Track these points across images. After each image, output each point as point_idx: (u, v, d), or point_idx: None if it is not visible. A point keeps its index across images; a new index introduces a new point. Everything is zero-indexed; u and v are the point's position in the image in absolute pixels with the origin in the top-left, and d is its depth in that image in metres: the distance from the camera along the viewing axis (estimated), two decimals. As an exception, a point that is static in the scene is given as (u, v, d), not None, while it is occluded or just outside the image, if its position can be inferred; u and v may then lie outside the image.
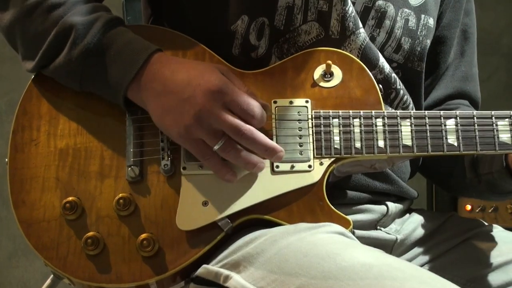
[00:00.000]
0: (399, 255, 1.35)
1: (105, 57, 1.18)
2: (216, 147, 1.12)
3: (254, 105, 1.13)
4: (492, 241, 1.34)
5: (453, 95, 1.48)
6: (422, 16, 1.37)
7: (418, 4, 1.37)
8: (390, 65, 1.34)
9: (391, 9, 1.34)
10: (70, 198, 1.17)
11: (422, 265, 1.33)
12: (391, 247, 1.35)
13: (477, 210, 2.42)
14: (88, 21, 1.19)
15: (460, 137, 1.20)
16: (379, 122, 1.20)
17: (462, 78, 1.49)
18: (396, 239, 1.35)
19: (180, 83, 1.14)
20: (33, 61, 1.22)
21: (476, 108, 1.51)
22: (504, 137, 1.20)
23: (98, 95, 1.22)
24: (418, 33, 1.37)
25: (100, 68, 1.18)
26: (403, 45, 1.35)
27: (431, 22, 1.39)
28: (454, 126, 1.20)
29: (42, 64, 1.22)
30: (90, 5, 1.23)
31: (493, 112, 1.22)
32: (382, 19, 1.33)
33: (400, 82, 1.36)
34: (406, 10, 1.35)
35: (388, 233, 1.35)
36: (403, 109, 1.37)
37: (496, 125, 1.20)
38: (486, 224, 1.42)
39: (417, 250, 1.37)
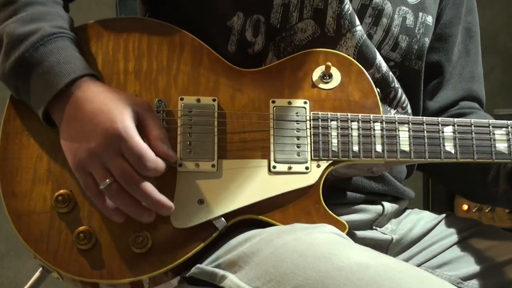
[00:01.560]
0: (395, 255, 1.35)
1: (33, 74, 1.15)
2: (102, 186, 1.09)
3: (148, 158, 1.08)
4: (489, 241, 1.34)
5: (464, 97, 1.48)
6: (420, 14, 1.38)
7: (416, 2, 1.37)
8: (387, 64, 1.35)
9: (388, 7, 1.34)
10: (63, 191, 1.16)
11: (418, 265, 1.34)
12: (387, 247, 1.35)
13: (474, 210, 2.43)
14: (25, 33, 1.16)
15: (457, 145, 1.20)
16: (377, 126, 1.20)
17: (469, 78, 1.50)
18: (392, 239, 1.35)
19: (86, 115, 1.11)
20: None
21: (482, 108, 1.51)
22: (500, 146, 1.21)
23: None
24: (416, 31, 1.37)
25: (29, 84, 1.16)
26: (400, 43, 1.35)
27: (430, 20, 1.40)
28: (452, 134, 1.21)
29: None
30: (36, 12, 1.19)
31: (490, 121, 1.23)
32: (379, 17, 1.33)
33: (397, 81, 1.36)
34: (403, 8, 1.36)
35: (384, 233, 1.35)
36: (402, 108, 1.37)
37: (493, 134, 1.21)
38: (483, 224, 1.43)
39: (414, 250, 1.37)
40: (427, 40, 1.40)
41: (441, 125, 1.21)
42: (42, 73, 1.14)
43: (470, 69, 1.50)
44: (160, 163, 1.10)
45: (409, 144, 1.20)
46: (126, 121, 1.09)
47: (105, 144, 1.08)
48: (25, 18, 1.17)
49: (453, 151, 1.20)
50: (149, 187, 1.09)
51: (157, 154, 1.10)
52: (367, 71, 1.26)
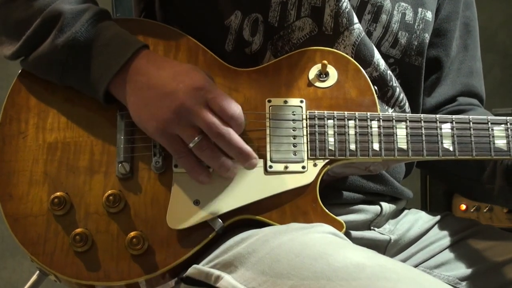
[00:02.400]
0: (393, 255, 1.34)
1: (92, 48, 1.16)
2: (191, 145, 1.11)
3: (235, 106, 1.11)
4: (487, 241, 1.33)
5: (463, 92, 1.47)
6: (419, 9, 1.36)
7: None
8: (387, 61, 1.34)
9: (387, 3, 1.32)
10: (59, 193, 1.15)
11: (416, 266, 1.33)
12: (385, 248, 1.34)
13: (471, 210, 2.39)
14: (77, 10, 1.17)
15: (456, 142, 1.19)
16: (375, 124, 1.19)
17: (468, 73, 1.48)
18: (390, 239, 1.34)
19: (164, 78, 1.13)
20: (14, 47, 1.19)
21: (482, 104, 1.50)
22: (499, 143, 1.20)
23: (76, 89, 1.19)
24: (415, 27, 1.36)
25: (85, 59, 1.16)
26: (400, 40, 1.34)
27: (429, 15, 1.38)
28: (450, 131, 1.19)
29: (23, 52, 1.20)
30: None
31: (489, 117, 1.21)
32: (378, 13, 1.32)
33: (396, 80, 1.35)
34: (402, 4, 1.35)
35: (382, 234, 1.34)
36: (400, 107, 1.36)
37: (492, 130, 1.20)
38: (481, 224, 1.42)
39: (411, 250, 1.36)
40: (427, 36, 1.39)
41: (439, 122, 1.20)
42: (102, 46, 1.15)
43: (469, 64, 1.48)
44: (242, 114, 1.12)
45: (407, 142, 1.18)
46: (206, 76, 1.13)
47: (191, 99, 1.10)
48: (69, 0, 1.18)
49: (451, 149, 1.19)
50: (235, 135, 1.11)
51: None
52: (364, 69, 1.25)
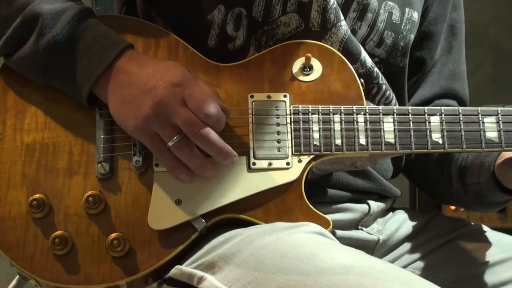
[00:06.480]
0: (381, 256, 1.32)
1: (74, 51, 1.13)
2: (170, 144, 1.08)
3: (211, 104, 1.08)
4: (478, 241, 1.31)
5: (441, 94, 1.44)
6: (407, 9, 1.33)
7: None
8: (371, 60, 1.30)
9: (373, 2, 1.29)
10: (37, 196, 1.12)
11: (405, 266, 1.31)
12: (373, 248, 1.31)
13: (462, 209, 2.36)
14: (57, 11, 1.14)
15: (445, 135, 1.16)
16: (361, 118, 1.16)
17: (449, 76, 1.45)
18: (378, 239, 1.31)
19: (145, 76, 1.11)
20: None
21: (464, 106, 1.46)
22: (491, 134, 1.16)
23: (60, 88, 1.17)
24: (402, 27, 1.33)
25: (67, 62, 1.13)
26: (385, 40, 1.31)
27: (416, 16, 1.35)
28: (439, 123, 1.16)
29: (5, 50, 1.17)
30: None
31: (479, 108, 1.18)
32: (364, 11, 1.29)
33: (383, 77, 1.32)
34: (390, 3, 1.31)
35: (370, 233, 1.32)
36: (385, 105, 1.33)
37: (483, 122, 1.16)
38: (472, 224, 1.39)
39: (400, 250, 1.34)
40: (412, 37, 1.36)
41: (428, 114, 1.16)
42: (84, 48, 1.13)
43: (451, 67, 1.45)
44: (222, 113, 1.10)
45: (395, 136, 1.15)
46: (186, 72, 1.11)
47: (169, 95, 1.07)
48: None
49: (440, 141, 1.15)
50: (213, 134, 1.09)
51: None
52: (351, 66, 1.22)
